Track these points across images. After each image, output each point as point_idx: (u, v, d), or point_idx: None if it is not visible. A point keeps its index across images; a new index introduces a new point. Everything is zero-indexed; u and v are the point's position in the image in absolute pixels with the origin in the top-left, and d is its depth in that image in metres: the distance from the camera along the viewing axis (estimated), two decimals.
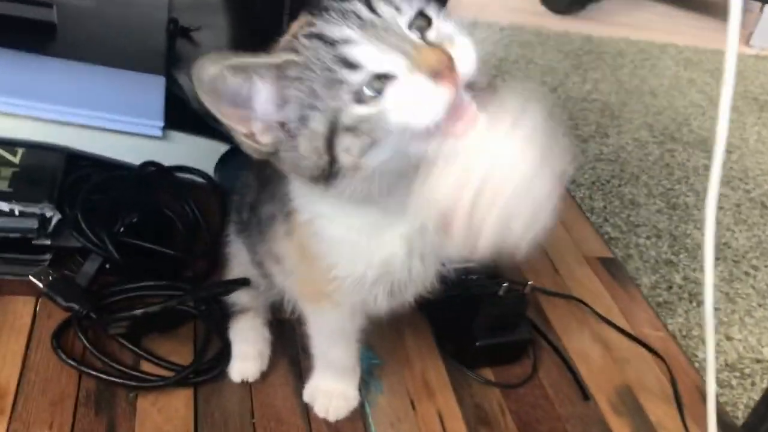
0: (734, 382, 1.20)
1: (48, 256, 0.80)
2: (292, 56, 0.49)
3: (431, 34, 0.49)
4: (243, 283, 0.77)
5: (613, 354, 0.89)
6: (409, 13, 0.48)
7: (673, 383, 0.85)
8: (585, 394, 0.82)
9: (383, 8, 0.48)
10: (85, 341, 0.73)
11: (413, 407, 0.76)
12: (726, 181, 1.76)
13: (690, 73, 2.29)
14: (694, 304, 1.35)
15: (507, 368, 0.83)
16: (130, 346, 0.74)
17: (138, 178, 0.86)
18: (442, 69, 0.46)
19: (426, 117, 0.47)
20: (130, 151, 0.87)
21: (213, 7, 1.18)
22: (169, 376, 0.72)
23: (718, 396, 1.17)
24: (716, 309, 1.34)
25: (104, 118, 0.84)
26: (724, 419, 0.84)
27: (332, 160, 0.50)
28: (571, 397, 0.82)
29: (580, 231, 1.11)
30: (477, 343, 0.81)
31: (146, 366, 0.73)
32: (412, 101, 0.47)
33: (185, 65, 0.99)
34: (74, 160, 0.85)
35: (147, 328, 0.77)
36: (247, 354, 0.75)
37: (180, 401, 0.71)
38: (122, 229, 0.81)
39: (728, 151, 1.91)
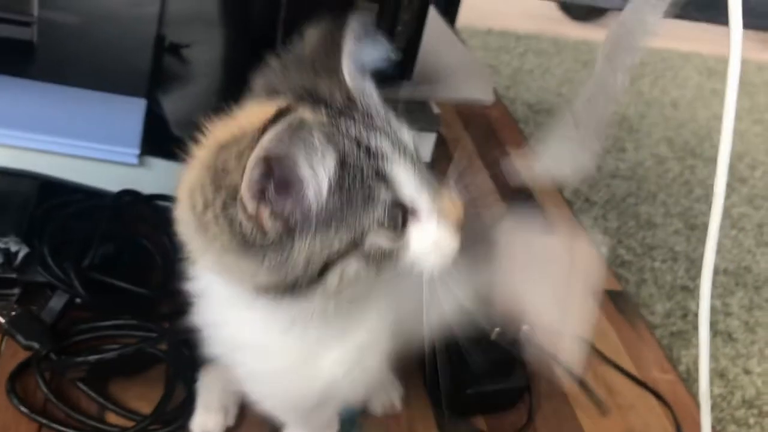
0: (752, 420, 1.14)
1: (16, 291, 0.76)
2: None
3: None
4: None
5: (617, 399, 0.83)
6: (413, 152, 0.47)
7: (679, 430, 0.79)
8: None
9: (405, 134, 0.47)
10: (42, 385, 0.69)
11: None
12: (747, 200, 1.69)
13: (714, 83, 2.22)
14: (711, 333, 1.28)
15: (501, 416, 0.78)
16: (89, 392, 0.70)
17: (113, 208, 0.81)
18: (461, 223, 0.47)
19: (440, 264, 0.47)
20: (107, 179, 0.83)
21: (205, 22, 1.13)
22: (128, 427, 0.68)
23: None
24: (734, 339, 1.28)
25: (78, 145, 0.79)
26: None
27: (315, 279, 0.44)
28: None
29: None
30: (469, 390, 0.76)
31: (109, 413, 0.69)
32: (433, 246, 0.47)
33: (171, 85, 0.95)
34: (47, 187, 0.81)
35: (112, 371, 0.72)
36: (211, 407, 0.70)
37: None
38: (94, 262, 0.77)
39: (751, 167, 1.84)
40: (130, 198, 0.83)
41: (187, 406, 0.70)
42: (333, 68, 0.48)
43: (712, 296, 1.37)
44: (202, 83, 1.00)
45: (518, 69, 2.06)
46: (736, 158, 1.87)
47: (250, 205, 0.42)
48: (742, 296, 1.38)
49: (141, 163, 0.82)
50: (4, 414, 0.67)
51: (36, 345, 0.70)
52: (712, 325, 1.30)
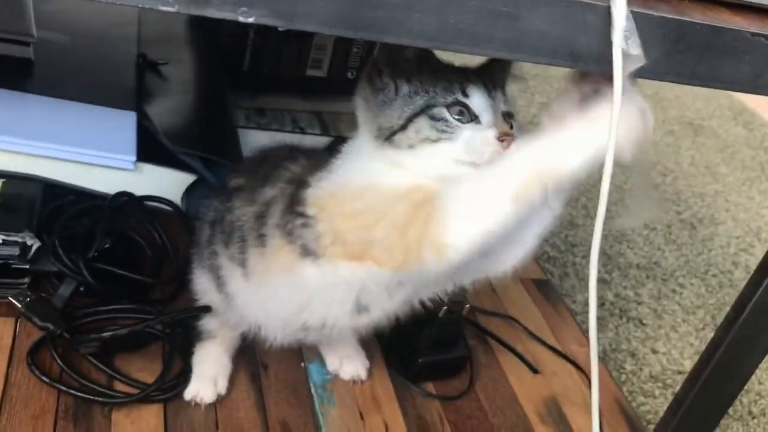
0: (657, 392, 1.32)
1: (26, 280, 0.86)
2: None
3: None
4: (205, 310, 0.85)
5: (542, 368, 0.99)
6: (503, 106, 0.67)
7: None
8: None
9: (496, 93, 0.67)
10: (57, 359, 0.80)
11: (362, 418, 0.85)
12: (659, 203, 1.89)
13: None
14: (624, 319, 1.47)
15: (447, 382, 0.93)
16: (99, 365, 0.81)
17: (111, 207, 0.93)
18: (505, 135, 0.64)
19: (478, 157, 0.64)
20: (103, 182, 0.94)
21: (179, 41, 1.25)
22: (134, 393, 0.80)
23: (641, 405, 1.29)
24: (644, 324, 1.47)
25: (80, 153, 0.90)
26: (636, 426, 0.95)
27: (401, 129, 0.65)
28: (502, 408, 0.91)
29: None
30: (420, 360, 0.90)
31: (116, 382, 0.81)
32: (480, 142, 0.64)
33: (155, 99, 1.06)
34: (51, 190, 0.92)
35: (117, 348, 0.84)
36: (204, 378, 0.83)
37: (151, 415, 0.79)
38: (95, 254, 0.88)
39: (663, 174, 2.05)
40: (125, 199, 0.94)
41: (183, 377, 0.83)
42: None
43: (626, 287, 1.57)
44: (181, 98, 1.12)
45: None
46: (649, 166, 2.07)
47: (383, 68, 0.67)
48: (652, 287, 1.57)
49: (134, 169, 0.94)
50: (26, 384, 0.78)
51: (50, 326, 0.81)
52: (625, 312, 1.49)
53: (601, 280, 1.54)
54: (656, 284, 1.59)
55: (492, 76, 0.68)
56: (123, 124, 0.96)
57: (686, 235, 1.79)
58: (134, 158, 0.92)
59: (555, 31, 0.50)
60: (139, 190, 0.96)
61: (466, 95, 0.65)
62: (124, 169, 0.93)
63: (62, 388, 0.78)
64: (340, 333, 0.80)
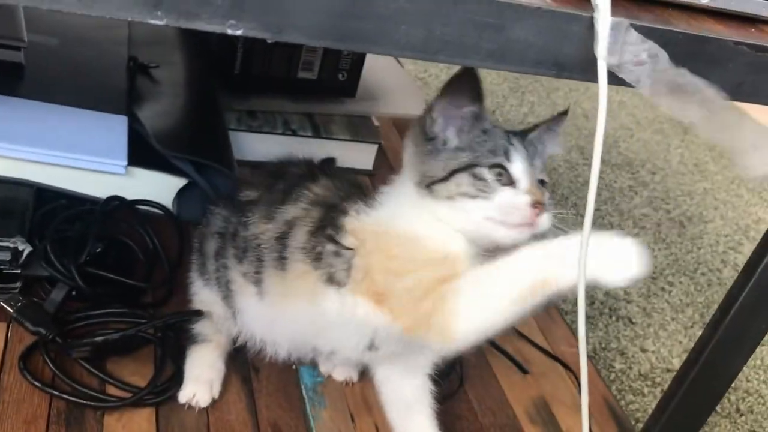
0: (646, 390, 1.33)
1: (18, 284, 0.87)
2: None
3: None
4: (197, 314, 0.86)
5: (532, 368, 1.00)
6: (539, 173, 0.72)
7: None
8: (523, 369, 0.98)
9: (537, 159, 0.73)
10: (50, 364, 0.81)
11: (353, 421, 0.86)
12: (648, 202, 1.90)
13: (621, 96, 2.44)
14: (614, 318, 1.48)
15: (436, 384, 0.93)
16: (91, 369, 0.82)
17: (103, 212, 0.93)
18: (537, 204, 0.68)
19: (509, 218, 0.68)
20: (95, 186, 0.94)
21: (169, 44, 1.25)
22: (126, 396, 0.80)
23: (630, 403, 1.30)
24: (633, 323, 1.48)
25: (71, 157, 0.91)
26: (624, 425, 0.96)
27: (442, 180, 0.69)
28: (492, 408, 0.92)
29: None
30: None
31: (108, 386, 0.81)
32: (514, 205, 0.68)
33: (146, 102, 1.07)
34: (43, 194, 0.92)
35: (109, 352, 0.85)
36: (198, 381, 0.83)
37: (143, 418, 0.79)
38: (87, 259, 0.88)
39: (652, 173, 2.06)
40: (117, 203, 0.95)
41: (175, 380, 0.83)
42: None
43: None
44: (172, 101, 1.12)
45: (444, 81, 2.23)
46: (639, 164, 2.09)
47: (435, 115, 0.71)
48: (641, 286, 1.59)
49: (126, 173, 0.94)
50: (18, 389, 0.79)
51: (42, 330, 0.82)
52: (615, 310, 1.50)
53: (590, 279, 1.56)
54: (645, 283, 1.60)
55: (539, 138, 0.75)
56: (114, 128, 0.97)
57: (675, 233, 1.81)
58: (125, 162, 0.93)
59: (539, 42, 0.51)
60: (130, 194, 0.96)
61: (508, 160, 0.70)
62: (115, 174, 0.93)
63: (54, 392, 0.79)
64: (345, 360, 0.85)
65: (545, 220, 0.69)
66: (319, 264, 0.73)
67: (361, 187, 0.83)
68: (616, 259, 0.61)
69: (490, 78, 2.31)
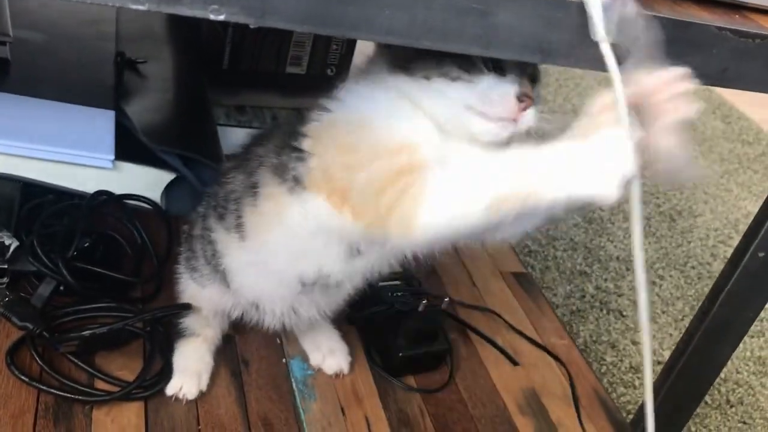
0: (637, 382, 1.34)
1: (5, 280, 0.86)
2: None
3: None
4: (185, 307, 0.85)
5: (522, 360, 1.00)
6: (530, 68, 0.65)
7: (572, 386, 0.97)
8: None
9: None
10: (37, 358, 0.80)
11: (343, 413, 0.86)
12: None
13: (609, 81, 2.44)
14: (605, 311, 1.48)
15: (427, 375, 0.93)
16: (79, 363, 0.81)
17: (90, 206, 0.93)
18: (525, 96, 0.62)
19: (491, 110, 0.61)
20: (82, 181, 0.94)
21: (157, 39, 1.24)
22: (114, 391, 0.80)
23: (621, 395, 1.30)
24: (624, 316, 1.48)
25: (58, 152, 0.90)
26: (615, 416, 0.96)
27: (421, 56, 0.62)
28: (482, 399, 0.92)
29: (496, 248, 1.22)
30: (400, 354, 0.91)
31: (97, 381, 0.81)
32: (495, 94, 0.61)
33: (133, 97, 1.06)
34: (30, 189, 0.91)
35: (97, 347, 0.84)
36: (186, 373, 0.83)
37: (132, 412, 0.79)
38: (75, 253, 0.88)
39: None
40: (104, 197, 0.94)
41: (164, 374, 0.83)
42: None
43: (606, 279, 1.58)
44: (160, 96, 1.12)
45: None
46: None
47: None
48: (632, 279, 1.59)
49: (113, 167, 0.94)
50: (5, 384, 0.78)
51: (30, 325, 0.81)
52: (606, 304, 1.50)
53: (581, 273, 1.56)
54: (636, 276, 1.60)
55: None
56: (101, 122, 0.96)
57: (665, 227, 1.81)
58: (112, 156, 0.92)
59: (524, 27, 0.51)
60: (118, 189, 0.96)
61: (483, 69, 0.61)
62: (102, 168, 0.93)
63: (42, 387, 0.78)
64: (339, 289, 0.79)
65: (530, 117, 0.62)
66: (285, 174, 0.69)
67: None
68: (600, 167, 0.53)
69: None
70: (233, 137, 1.18)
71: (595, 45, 0.52)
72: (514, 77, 0.62)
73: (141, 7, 0.44)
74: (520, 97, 0.61)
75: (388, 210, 0.61)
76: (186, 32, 1.25)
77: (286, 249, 0.73)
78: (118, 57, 1.12)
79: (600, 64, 0.53)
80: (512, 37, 0.51)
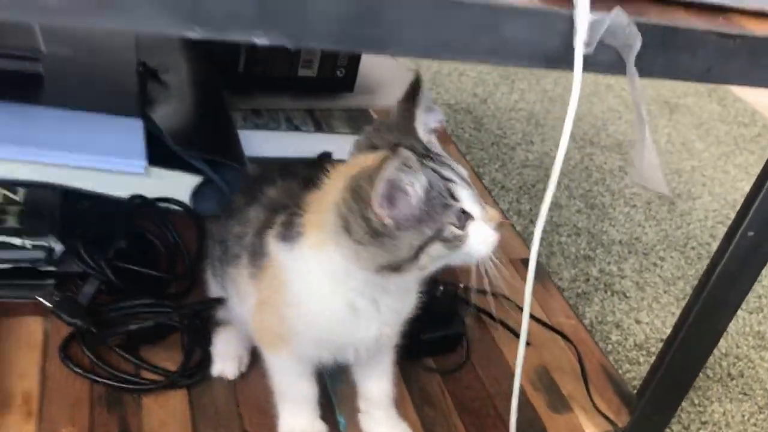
0: (641, 359, 1.40)
1: (51, 281, 0.93)
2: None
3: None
4: (218, 301, 0.92)
5: (532, 340, 1.07)
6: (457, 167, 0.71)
7: (581, 363, 1.03)
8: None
9: (461, 169, 0.71)
10: (88, 352, 0.87)
11: None
12: (638, 180, 1.97)
13: (608, 79, 2.50)
14: (609, 293, 1.55)
15: (445, 357, 1.00)
16: (127, 355, 0.88)
17: (126, 210, 0.99)
18: (497, 225, 0.70)
19: (487, 250, 0.70)
20: (116, 186, 1.00)
21: (175, 47, 1.30)
22: (161, 380, 0.87)
23: (627, 372, 1.37)
24: (627, 297, 1.55)
25: (94, 160, 0.97)
26: (622, 389, 1.03)
27: (409, 260, 0.67)
28: (497, 378, 0.99)
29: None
30: (421, 337, 0.97)
31: (142, 371, 0.88)
32: (482, 238, 0.69)
33: (158, 105, 1.13)
34: (69, 196, 0.98)
35: (140, 340, 0.91)
36: (227, 357, 0.90)
37: (177, 398, 0.86)
38: (113, 254, 0.95)
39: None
40: (138, 201, 1.01)
41: (204, 363, 0.90)
42: (411, 129, 0.72)
43: (609, 262, 1.65)
44: (182, 103, 1.18)
45: (437, 72, 2.29)
46: (628, 145, 2.15)
47: (378, 210, 0.64)
48: (634, 262, 1.65)
49: (145, 172, 1.01)
50: (60, 377, 0.85)
51: (79, 322, 0.88)
52: (610, 286, 1.57)
53: (585, 257, 1.63)
54: (638, 258, 1.67)
55: (432, 144, 0.72)
56: (131, 130, 1.03)
57: (665, 210, 1.87)
58: (145, 163, 0.99)
59: (530, 39, 0.57)
60: (150, 193, 1.02)
61: (458, 199, 0.68)
62: (135, 173, 0.99)
63: (94, 378, 0.85)
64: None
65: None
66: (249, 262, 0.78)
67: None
68: None
69: (480, 67, 2.37)
70: (251, 140, 1.25)
71: (594, 50, 0.58)
72: (479, 213, 0.69)
73: (195, 35, 0.50)
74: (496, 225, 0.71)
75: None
76: (202, 40, 1.31)
77: None
78: (140, 67, 1.18)
79: (598, 68, 0.60)
80: (520, 48, 0.57)
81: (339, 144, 1.28)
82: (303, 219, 0.72)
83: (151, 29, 0.49)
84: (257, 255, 0.76)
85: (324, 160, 1.17)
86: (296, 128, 1.29)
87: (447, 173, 0.69)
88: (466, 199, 0.68)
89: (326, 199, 0.70)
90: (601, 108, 2.31)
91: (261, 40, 0.52)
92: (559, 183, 1.87)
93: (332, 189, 0.70)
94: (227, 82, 1.28)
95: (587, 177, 1.93)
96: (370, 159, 0.68)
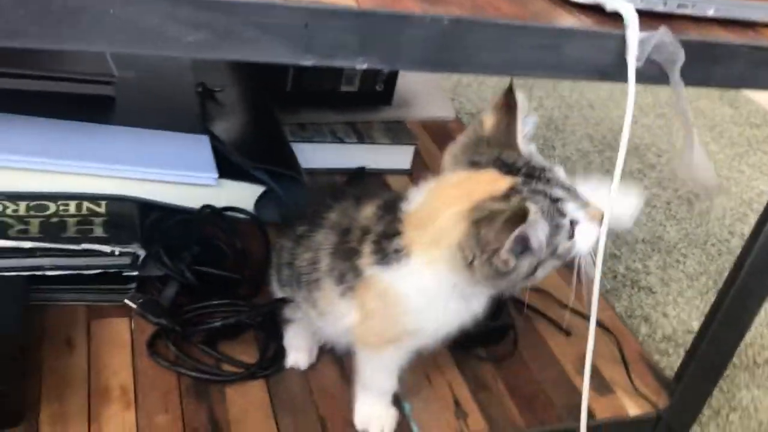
0: (671, 350, 1.48)
1: (133, 285, 1.01)
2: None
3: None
4: (285, 301, 1.00)
5: (573, 331, 1.15)
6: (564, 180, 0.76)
7: (620, 350, 1.11)
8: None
9: (560, 173, 0.76)
10: (174, 349, 0.96)
11: (429, 381, 1.00)
12: (657, 182, 2.05)
13: (624, 85, 2.58)
14: (636, 289, 1.63)
15: (495, 347, 1.08)
16: (210, 351, 0.97)
17: (198, 219, 1.08)
18: (599, 219, 0.74)
19: (588, 247, 0.75)
20: (187, 197, 1.09)
21: (228, 67, 1.40)
22: (241, 372, 0.95)
23: (658, 363, 1.44)
24: (653, 292, 1.62)
25: (169, 173, 1.06)
26: (660, 374, 1.10)
27: (530, 275, 0.73)
28: (544, 365, 1.07)
29: None
30: (473, 329, 1.05)
31: (223, 364, 0.96)
32: (587, 237, 0.74)
33: (218, 122, 1.21)
34: (146, 207, 1.07)
35: (218, 336, 0.99)
36: (297, 349, 0.99)
37: (257, 388, 0.94)
38: (190, 259, 1.03)
39: (658, 155, 2.21)
40: (208, 210, 1.09)
41: (278, 357, 0.98)
42: (512, 143, 0.77)
43: (635, 260, 1.72)
44: (240, 120, 1.27)
45: (457, 82, 2.37)
46: (645, 148, 2.23)
47: (506, 258, 0.70)
48: (658, 259, 1.73)
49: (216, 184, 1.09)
50: (148, 371, 0.93)
51: (163, 321, 0.97)
52: (636, 282, 1.65)
53: (612, 256, 1.71)
54: (661, 256, 1.75)
55: (536, 156, 0.77)
56: (199, 145, 1.11)
57: (684, 210, 1.95)
58: (216, 175, 1.07)
59: (587, 56, 0.66)
60: (217, 203, 1.11)
61: (566, 214, 0.72)
62: (206, 185, 1.08)
63: (181, 370, 0.94)
64: None
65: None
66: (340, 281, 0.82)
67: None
68: None
69: (499, 77, 2.45)
70: (299, 152, 1.33)
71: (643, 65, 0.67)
72: (583, 216, 0.74)
73: (308, 63, 0.59)
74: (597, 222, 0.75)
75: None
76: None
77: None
78: (199, 87, 1.27)
79: (646, 80, 0.68)
80: (578, 65, 0.66)
81: (379, 154, 1.37)
82: (405, 238, 0.76)
83: (273, 59, 0.58)
84: (345, 276, 0.80)
85: (360, 174, 1.27)
86: (340, 140, 1.38)
87: (554, 192, 0.73)
88: (573, 210, 0.73)
89: (429, 219, 0.75)
90: (618, 113, 2.39)
91: (362, 65, 0.60)
92: None
93: (434, 210, 0.75)
94: (276, 99, 1.36)
95: (608, 179, 2.01)
96: (479, 183, 0.74)
